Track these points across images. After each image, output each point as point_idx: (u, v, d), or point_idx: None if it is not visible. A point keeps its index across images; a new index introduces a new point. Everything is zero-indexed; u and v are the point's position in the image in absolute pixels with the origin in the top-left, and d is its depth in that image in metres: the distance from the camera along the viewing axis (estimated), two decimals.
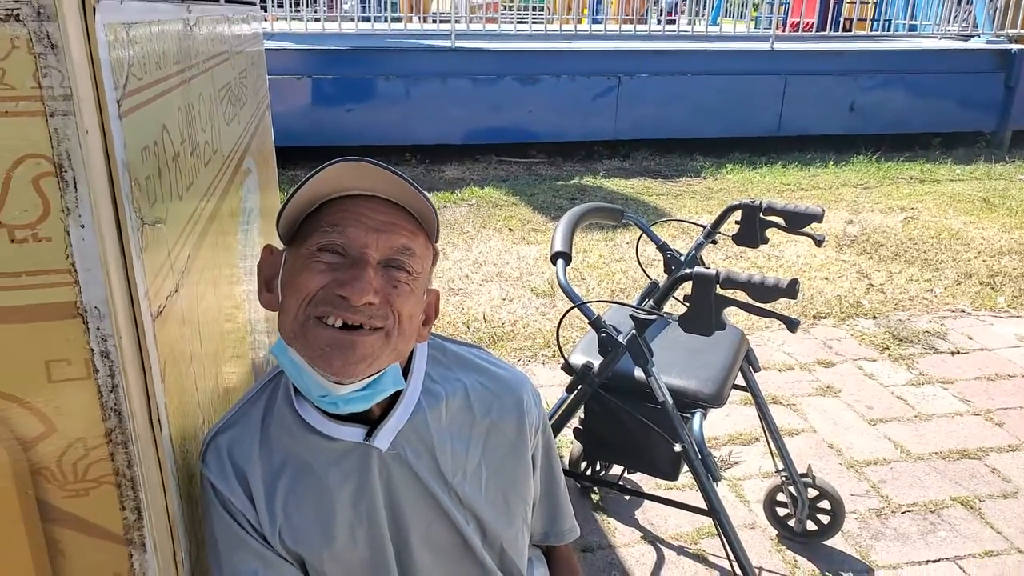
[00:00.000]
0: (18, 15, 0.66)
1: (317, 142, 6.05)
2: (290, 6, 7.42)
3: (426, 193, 0.92)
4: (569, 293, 1.66)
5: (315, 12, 7.40)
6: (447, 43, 6.65)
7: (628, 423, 1.72)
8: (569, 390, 1.80)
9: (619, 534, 2.24)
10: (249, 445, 0.98)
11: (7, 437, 0.77)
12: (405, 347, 0.95)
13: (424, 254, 0.95)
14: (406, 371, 1.00)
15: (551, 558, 1.25)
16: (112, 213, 0.76)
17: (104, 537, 0.84)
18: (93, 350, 0.76)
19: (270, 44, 5.62)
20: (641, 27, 7.98)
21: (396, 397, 0.98)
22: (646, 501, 2.35)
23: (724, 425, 2.76)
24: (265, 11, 7.18)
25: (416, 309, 0.94)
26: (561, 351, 1.72)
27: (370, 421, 0.98)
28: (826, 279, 4.16)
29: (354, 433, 0.97)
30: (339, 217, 0.90)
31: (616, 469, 2.41)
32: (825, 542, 2.22)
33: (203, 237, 1.23)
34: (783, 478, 2.16)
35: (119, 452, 0.81)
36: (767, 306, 1.53)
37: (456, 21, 7.07)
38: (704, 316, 1.52)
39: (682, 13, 9.58)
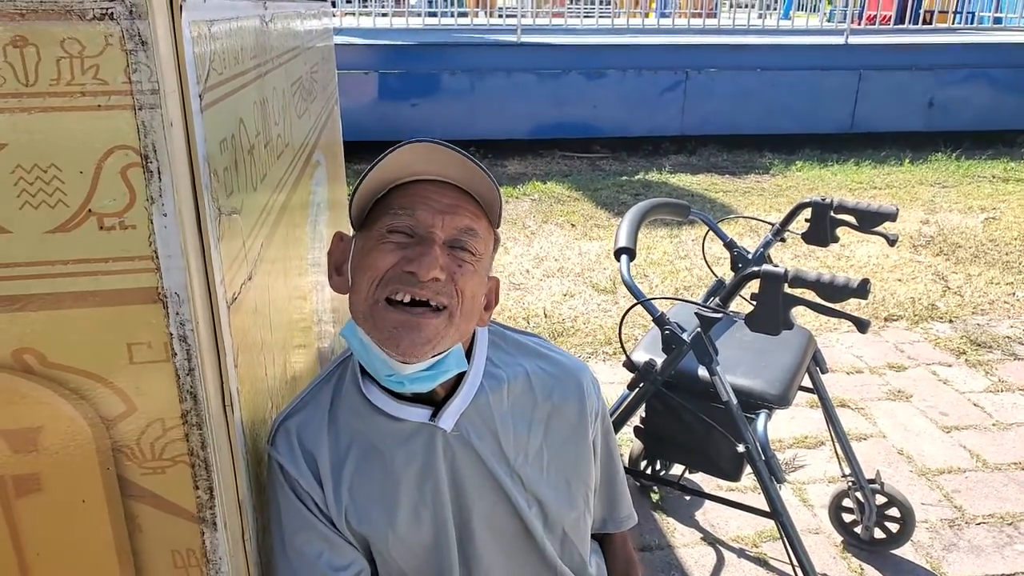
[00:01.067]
0: (112, 14, 0.69)
1: (383, 136, 6.14)
2: (358, 1, 7.55)
3: (493, 176, 0.94)
4: (633, 289, 1.64)
5: (383, 7, 7.50)
6: (512, 38, 6.65)
7: (690, 422, 1.69)
8: (631, 387, 1.79)
9: (679, 534, 2.22)
10: (317, 428, 1.01)
11: (91, 415, 0.81)
12: (467, 327, 0.97)
13: (486, 237, 0.97)
14: (468, 354, 1.02)
15: (607, 546, 1.25)
16: (192, 203, 0.79)
17: (178, 514, 0.87)
18: (172, 334, 0.80)
19: (339, 40, 5.73)
20: (710, 21, 7.83)
21: (460, 379, 1.00)
22: (707, 501, 2.31)
23: (789, 427, 2.70)
24: (334, 6, 7.32)
25: (479, 290, 0.96)
26: (623, 348, 1.70)
27: (435, 403, 1.00)
28: (899, 280, 4.01)
29: (420, 414, 0.99)
30: (408, 200, 0.94)
31: (677, 468, 2.38)
32: (893, 551, 2.15)
33: (275, 228, 1.27)
34: (850, 483, 2.10)
35: (194, 433, 0.84)
36: (837, 306, 1.49)
37: (522, 16, 7.07)
38: (771, 315, 1.48)
39: (752, 7, 9.36)
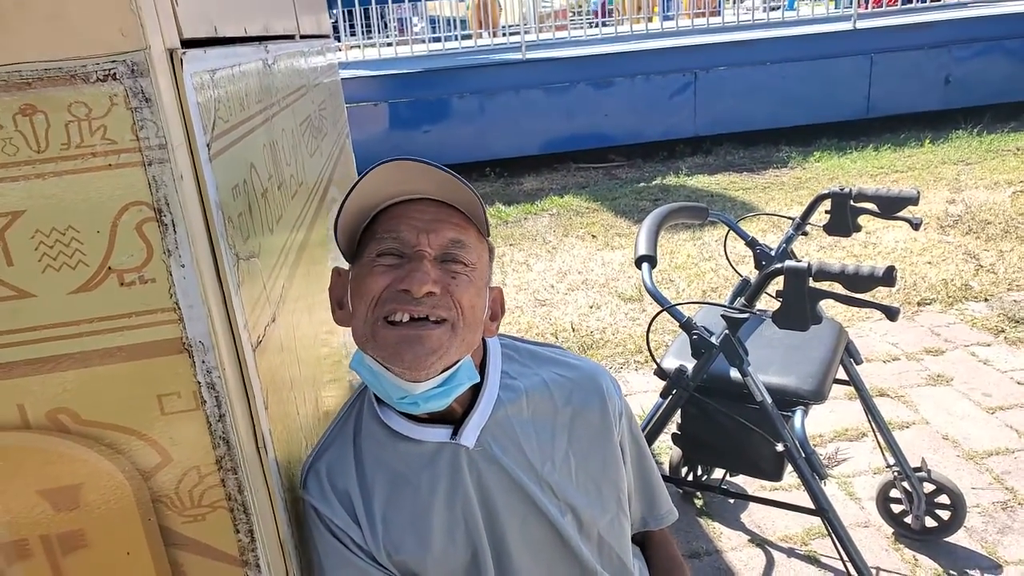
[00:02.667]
0: (114, 74, 0.70)
1: None
2: (362, 33, 7.65)
3: (469, 184, 0.94)
4: (657, 296, 1.63)
5: (387, 37, 7.60)
6: (518, 55, 6.70)
7: (727, 425, 1.67)
8: (664, 395, 1.77)
9: (725, 538, 2.18)
10: (345, 464, 1.01)
11: (128, 468, 0.82)
12: (472, 339, 0.97)
13: (478, 246, 0.97)
14: (482, 368, 1.02)
15: (649, 546, 1.23)
16: (209, 251, 0.81)
17: (222, 559, 0.88)
18: (200, 382, 0.81)
19: (346, 73, 5.82)
20: (714, 20, 7.82)
21: (476, 395, 1.00)
22: (751, 503, 2.28)
23: (828, 421, 2.65)
24: (339, 40, 7.43)
25: (477, 300, 0.96)
26: (653, 356, 1.69)
27: (454, 421, 1.00)
28: (929, 263, 3.94)
29: (440, 434, 0.99)
30: (391, 224, 0.95)
31: (718, 472, 2.35)
32: (947, 539, 2.09)
33: (295, 267, 1.28)
34: (895, 473, 2.05)
35: (230, 478, 0.85)
36: (864, 296, 1.46)
37: (526, 32, 7.12)
38: (799, 310, 1.46)
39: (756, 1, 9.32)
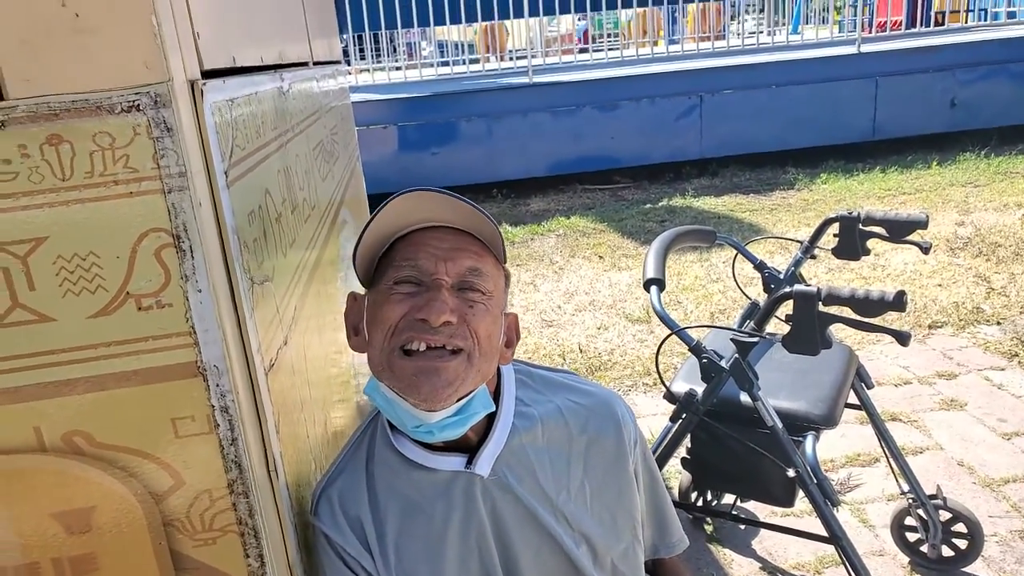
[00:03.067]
0: (138, 105, 0.72)
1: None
2: (372, 57, 7.74)
3: (488, 214, 0.95)
4: (666, 320, 1.63)
5: (396, 61, 7.68)
6: (525, 79, 6.76)
7: (737, 450, 1.67)
8: (673, 419, 1.77)
9: (736, 565, 2.16)
10: (358, 492, 1.01)
11: (141, 491, 0.83)
12: (488, 368, 0.97)
13: (495, 274, 0.98)
14: (496, 395, 1.02)
15: (661, 572, 1.22)
16: (225, 276, 0.82)
17: None
18: (214, 406, 0.81)
19: (356, 97, 5.87)
20: (719, 43, 7.88)
21: (491, 423, 1.00)
22: (762, 530, 2.26)
23: (840, 446, 2.63)
24: (348, 64, 7.52)
25: (493, 329, 0.96)
26: (662, 380, 1.69)
27: (468, 449, 0.99)
28: (939, 286, 3.93)
29: (454, 462, 0.98)
30: (409, 251, 0.96)
31: (728, 498, 2.33)
32: (964, 568, 2.07)
33: (307, 289, 1.29)
34: (910, 500, 2.03)
35: (241, 502, 0.85)
36: (875, 320, 1.46)
37: (533, 56, 7.20)
38: (808, 335, 1.46)
39: (760, 24, 9.40)
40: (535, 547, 1.00)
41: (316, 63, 2.03)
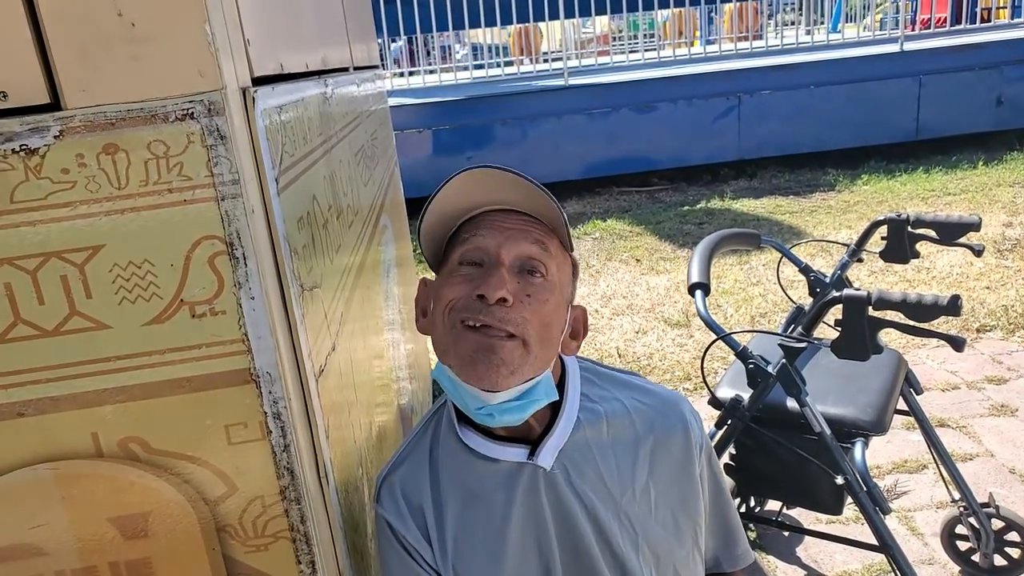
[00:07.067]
0: (192, 113, 0.72)
1: None
2: (406, 62, 7.79)
3: (551, 194, 0.93)
4: (711, 325, 1.61)
5: (430, 65, 7.72)
6: (560, 81, 6.74)
7: (784, 456, 1.63)
8: (718, 425, 1.74)
9: (781, 573, 2.12)
10: (420, 479, 1.00)
11: (195, 498, 0.83)
12: (546, 356, 0.94)
13: (560, 258, 0.95)
14: (560, 388, 1.00)
15: None
16: (277, 283, 0.82)
17: None
18: (266, 413, 0.82)
19: (391, 101, 5.92)
20: (757, 43, 7.78)
21: (555, 414, 0.98)
22: (807, 537, 2.21)
23: (886, 452, 2.57)
24: (384, 69, 7.57)
25: (554, 316, 0.93)
26: (707, 385, 1.66)
27: (531, 441, 0.98)
28: (988, 288, 3.82)
29: (517, 453, 0.97)
30: (475, 228, 0.95)
31: (773, 504, 2.29)
32: None
33: (352, 294, 1.30)
34: (961, 508, 1.98)
35: (293, 508, 0.85)
36: (927, 325, 1.42)
37: (568, 58, 7.18)
38: (858, 340, 1.43)
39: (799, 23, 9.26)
40: (595, 545, 0.98)
41: (356, 68, 2.05)
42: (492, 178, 0.92)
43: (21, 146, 0.71)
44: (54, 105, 0.72)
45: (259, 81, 0.87)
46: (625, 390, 1.05)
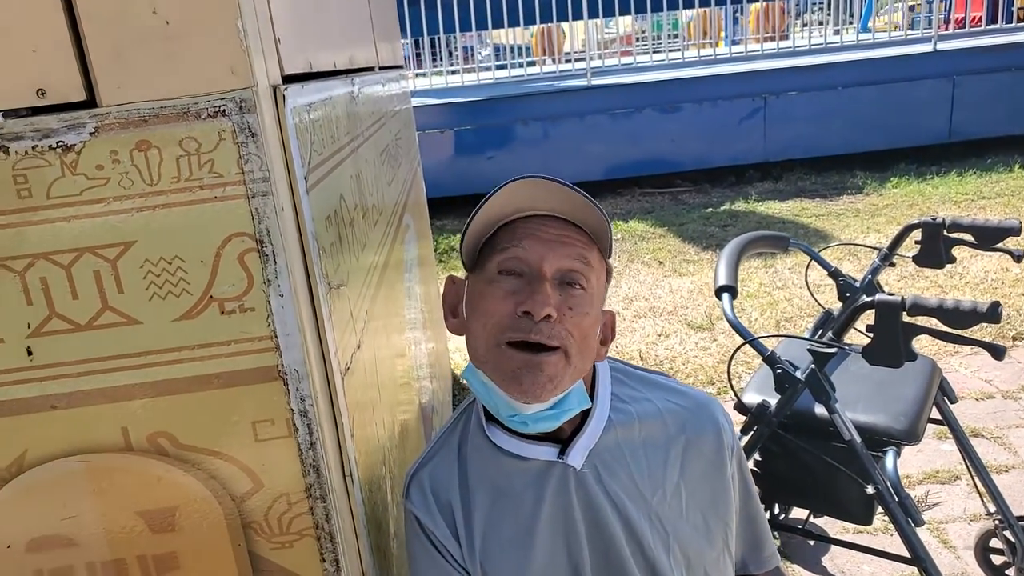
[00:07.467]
0: (224, 111, 0.73)
1: (462, 191, 6.28)
2: (428, 62, 7.81)
3: (599, 205, 0.92)
4: (739, 328, 1.59)
5: (452, 65, 7.72)
6: (583, 82, 6.72)
7: (812, 464, 1.61)
8: (744, 430, 1.72)
9: None
10: (449, 475, 1.00)
11: (222, 493, 0.84)
12: (584, 365, 0.95)
13: (598, 269, 0.95)
14: (591, 389, 1.00)
15: None
16: (305, 281, 0.82)
17: None
18: (293, 410, 0.82)
19: (413, 101, 5.94)
20: (784, 44, 7.70)
21: (586, 415, 0.98)
22: (833, 546, 2.18)
23: (916, 462, 2.52)
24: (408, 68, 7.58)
25: (592, 327, 0.94)
26: (734, 390, 1.64)
27: (561, 440, 0.97)
28: None
29: (547, 452, 0.97)
30: (516, 236, 0.93)
31: (798, 511, 2.26)
32: None
33: (376, 293, 1.30)
34: (996, 521, 1.93)
35: (318, 506, 0.85)
36: (964, 332, 1.39)
37: (591, 58, 7.14)
38: (891, 347, 1.40)
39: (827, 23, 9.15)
40: (626, 546, 0.98)
41: (381, 67, 2.05)
42: (538, 188, 0.92)
43: (58, 143, 0.72)
44: (90, 102, 0.72)
45: (289, 79, 0.87)
46: (656, 390, 1.05)
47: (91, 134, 0.72)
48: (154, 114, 0.72)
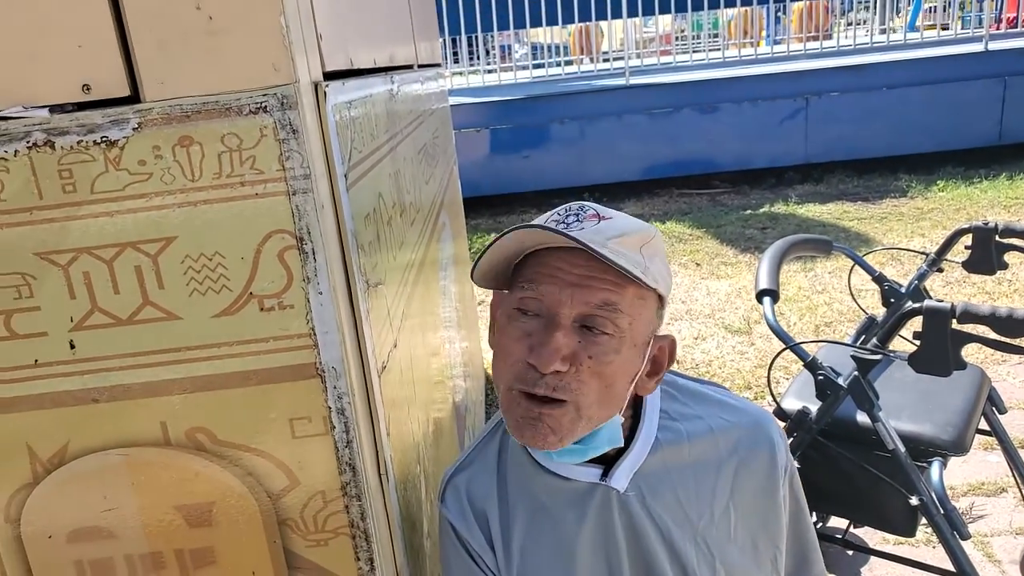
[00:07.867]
0: (265, 107, 0.72)
1: (496, 191, 6.28)
2: (465, 61, 7.82)
3: (634, 267, 0.83)
4: (780, 333, 1.55)
5: (489, 64, 7.72)
6: (621, 81, 6.67)
7: (853, 473, 1.57)
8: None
9: None
10: (486, 485, 0.98)
11: (258, 490, 0.84)
12: (604, 413, 0.89)
13: (635, 306, 0.86)
14: (637, 409, 0.96)
15: None
16: (344, 279, 0.82)
17: None
18: (331, 407, 0.81)
19: (450, 100, 5.95)
20: (827, 43, 7.56)
21: (632, 435, 0.94)
22: (872, 557, 2.12)
23: (961, 473, 2.45)
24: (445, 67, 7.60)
25: (619, 373, 0.87)
26: (773, 396, 1.61)
27: (606, 460, 0.94)
28: None
29: (590, 473, 0.94)
30: (536, 272, 0.87)
31: (837, 520, 2.21)
32: None
33: (412, 291, 1.30)
34: None
35: (353, 504, 0.85)
36: (1017, 341, 1.34)
37: (629, 58, 7.09)
38: (940, 355, 1.36)
39: (871, 22, 8.95)
40: (669, 570, 0.95)
41: (420, 66, 2.05)
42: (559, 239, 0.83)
43: (102, 138, 0.72)
44: (133, 98, 0.73)
45: (330, 76, 0.87)
46: (708, 406, 1.00)
47: (134, 129, 0.72)
48: (196, 110, 0.72)
